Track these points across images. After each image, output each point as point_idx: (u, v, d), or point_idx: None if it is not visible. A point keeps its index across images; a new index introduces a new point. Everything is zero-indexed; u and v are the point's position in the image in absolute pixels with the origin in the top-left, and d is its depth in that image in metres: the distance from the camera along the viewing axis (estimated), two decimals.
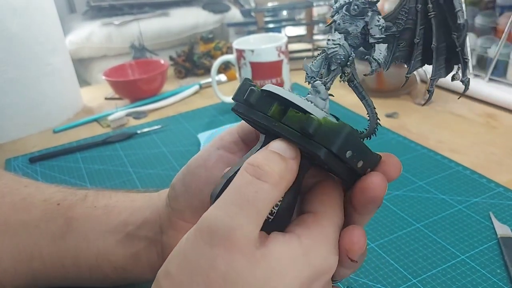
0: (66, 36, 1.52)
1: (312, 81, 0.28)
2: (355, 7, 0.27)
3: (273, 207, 0.27)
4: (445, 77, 0.29)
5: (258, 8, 1.10)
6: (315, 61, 0.29)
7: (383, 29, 0.27)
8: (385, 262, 0.44)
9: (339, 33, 0.27)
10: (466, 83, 0.28)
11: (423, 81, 0.82)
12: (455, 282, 0.41)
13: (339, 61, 0.27)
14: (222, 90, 0.86)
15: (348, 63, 0.27)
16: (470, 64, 0.27)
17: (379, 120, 0.30)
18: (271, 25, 1.12)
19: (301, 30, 1.22)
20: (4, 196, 0.41)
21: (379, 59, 0.27)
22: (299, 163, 0.27)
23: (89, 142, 0.77)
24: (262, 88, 0.28)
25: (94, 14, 1.68)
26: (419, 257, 0.45)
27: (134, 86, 0.94)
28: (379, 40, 0.27)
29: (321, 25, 1.16)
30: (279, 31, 1.17)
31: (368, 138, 0.30)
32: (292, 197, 0.28)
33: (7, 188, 0.42)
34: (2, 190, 0.42)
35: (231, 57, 0.81)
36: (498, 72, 0.79)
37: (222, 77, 1.03)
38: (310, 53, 1.06)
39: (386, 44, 0.27)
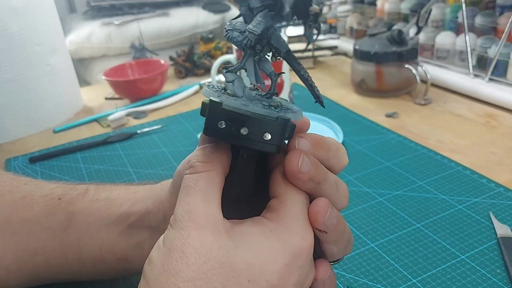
0: (66, 36, 1.52)
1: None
2: None
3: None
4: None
5: None
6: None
7: None
8: (385, 262, 0.44)
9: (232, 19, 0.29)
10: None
11: (423, 81, 0.82)
12: (455, 282, 0.41)
13: (239, 43, 0.28)
14: None
15: (246, 43, 0.28)
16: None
17: (314, 83, 0.30)
18: None
19: (301, 30, 1.22)
20: (4, 194, 0.41)
21: (250, 28, 0.27)
22: (220, 144, 0.29)
23: (89, 142, 0.77)
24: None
25: (94, 14, 1.68)
26: (419, 257, 0.45)
27: (134, 86, 0.94)
28: (259, 9, 0.27)
29: (321, 25, 1.16)
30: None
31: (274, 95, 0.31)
32: (241, 177, 0.30)
33: (6, 186, 0.42)
34: (2, 188, 0.42)
35: (231, 57, 0.81)
36: (498, 72, 0.79)
37: (222, 77, 1.03)
38: (310, 53, 1.06)
39: (262, 12, 0.27)
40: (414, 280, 0.42)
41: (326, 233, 0.29)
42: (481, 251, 0.44)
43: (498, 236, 0.46)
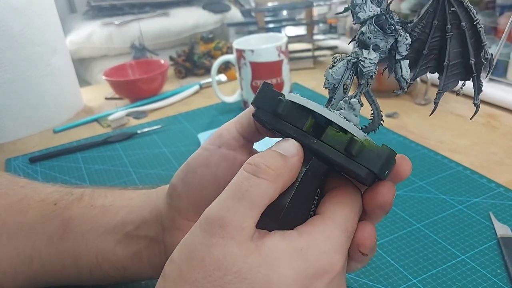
0: (67, 36, 1.52)
1: (331, 87, 0.29)
2: (391, 26, 0.28)
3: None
4: (451, 90, 0.31)
5: (258, 8, 1.10)
6: (336, 68, 0.29)
7: (408, 46, 0.28)
8: (386, 262, 0.44)
9: (373, 50, 0.28)
10: (478, 106, 0.30)
11: (423, 81, 0.81)
12: (455, 282, 0.41)
13: (370, 77, 0.29)
14: (222, 90, 0.86)
15: (373, 77, 0.29)
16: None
17: (383, 121, 0.31)
18: (271, 25, 1.12)
19: (301, 30, 1.22)
20: (1, 197, 0.41)
21: (407, 78, 0.29)
22: (301, 160, 0.27)
23: (89, 142, 0.77)
24: (289, 98, 0.28)
25: (95, 14, 1.68)
26: (420, 257, 0.45)
27: (134, 86, 0.94)
28: (404, 57, 0.28)
29: (321, 25, 1.16)
30: (279, 31, 1.17)
31: (367, 133, 0.31)
32: (303, 197, 0.28)
33: (3, 189, 0.42)
34: None
35: (231, 57, 0.81)
36: (498, 72, 0.79)
37: (222, 77, 1.03)
38: (310, 53, 1.06)
39: (409, 60, 0.29)
40: (414, 280, 0.42)
41: (367, 255, 0.28)
42: (481, 251, 0.44)
43: (498, 236, 0.46)
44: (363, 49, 0.28)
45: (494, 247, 0.45)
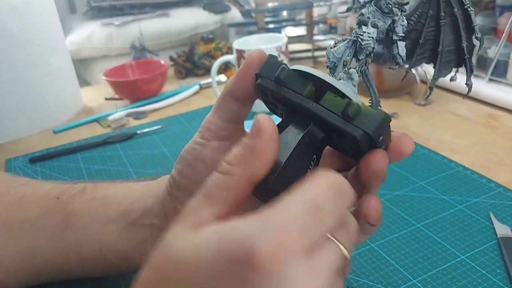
0: (67, 36, 1.52)
1: (332, 66, 0.31)
2: (389, 5, 0.30)
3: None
4: (445, 77, 0.33)
5: (258, 9, 1.10)
6: (337, 47, 0.31)
7: (404, 28, 0.30)
8: (386, 262, 0.44)
9: (372, 27, 0.30)
10: (470, 87, 0.32)
11: (423, 82, 0.82)
12: (455, 282, 0.41)
13: (368, 52, 0.30)
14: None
15: (371, 54, 0.30)
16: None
17: (381, 107, 0.32)
18: (271, 26, 1.13)
19: (301, 31, 1.22)
20: (1, 195, 0.41)
21: (403, 55, 0.30)
22: (272, 139, 0.25)
23: (89, 142, 0.77)
24: (292, 68, 0.30)
25: (95, 14, 1.68)
26: (420, 257, 0.45)
27: (134, 87, 0.94)
28: (400, 37, 0.30)
29: (321, 25, 1.16)
30: (280, 32, 1.17)
31: None
32: (299, 160, 0.29)
33: (3, 187, 0.42)
34: None
35: (231, 57, 0.81)
36: (498, 72, 0.79)
37: (222, 77, 1.03)
38: (310, 54, 1.06)
39: (405, 42, 0.31)
40: (414, 280, 0.42)
41: (375, 226, 0.29)
42: (481, 251, 0.44)
43: (498, 236, 0.46)
44: (362, 26, 0.30)
45: (494, 247, 0.45)
